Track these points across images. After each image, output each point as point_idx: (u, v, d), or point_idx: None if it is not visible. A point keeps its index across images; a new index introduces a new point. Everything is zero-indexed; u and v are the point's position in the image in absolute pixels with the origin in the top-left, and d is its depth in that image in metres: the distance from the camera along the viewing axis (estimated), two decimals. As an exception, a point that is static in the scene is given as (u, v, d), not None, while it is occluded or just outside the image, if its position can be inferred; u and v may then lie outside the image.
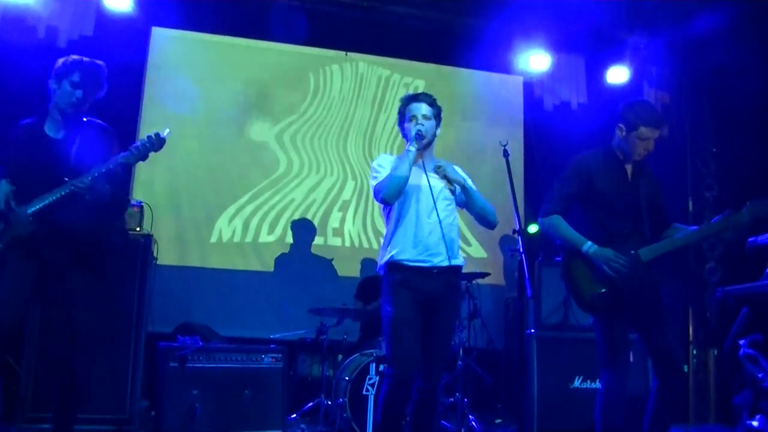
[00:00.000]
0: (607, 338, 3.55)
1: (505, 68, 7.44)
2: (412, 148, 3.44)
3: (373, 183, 3.55)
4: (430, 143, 3.62)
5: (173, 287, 6.23)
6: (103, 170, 3.47)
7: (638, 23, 6.71)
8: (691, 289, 6.81)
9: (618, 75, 7.13)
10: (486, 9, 6.71)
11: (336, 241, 7.03)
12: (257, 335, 5.99)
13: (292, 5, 6.74)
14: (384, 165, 3.57)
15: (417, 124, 3.54)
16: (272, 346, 5.03)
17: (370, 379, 4.83)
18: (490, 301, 6.97)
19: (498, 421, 6.02)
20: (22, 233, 3.39)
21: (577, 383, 4.74)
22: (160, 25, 6.77)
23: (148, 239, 5.15)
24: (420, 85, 7.44)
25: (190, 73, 6.82)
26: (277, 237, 6.88)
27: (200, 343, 4.80)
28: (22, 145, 3.57)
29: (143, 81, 6.69)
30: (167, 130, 3.65)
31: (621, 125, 3.66)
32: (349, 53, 7.35)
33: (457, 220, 3.63)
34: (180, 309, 6.17)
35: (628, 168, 3.70)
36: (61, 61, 3.75)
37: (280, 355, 4.92)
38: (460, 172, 3.69)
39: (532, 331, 4.97)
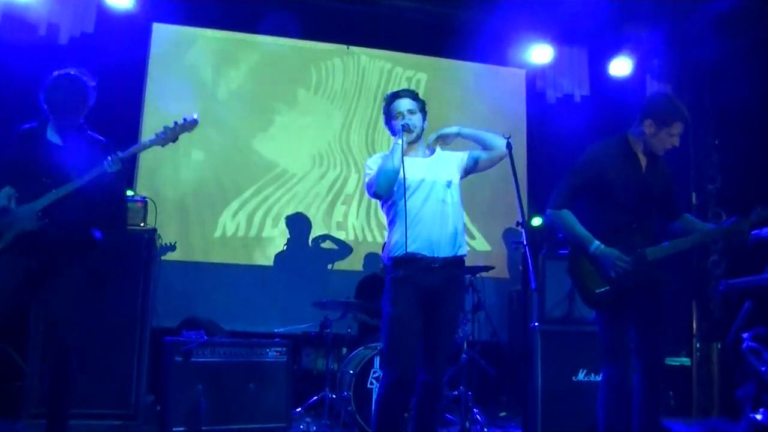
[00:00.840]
0: (609, 333, 3.55)
1: (507, 61, 7.44)
2: (400, 141, 3.45)
3: (366, 180, 3.57)
4: (419, 137, 3.61)
5: (177, 282, 6.24)
6: (123, 155, 3.66)
7: (640, 15, 6.68)
8: (694, 282, 6.81)
9: (620, 67, 7.12)
10: (488, 1, 6.68)
11: (340, 235, 7.03)
12: (261, 329, 6.00)
13: (293, -1, 6.75)
14: (376, 161, 3.58)
15: (403, 119, 3.54)
16: (276, 340, 5.03)
17: (374, 372, 4.84)
18: (494, 294, 6.98)
19: (502, 414, 6.03)
20: (30, 228, 3.47)
21: (581, 376, 4.75)
22: (161, 21, 6.78)
23: (153, 235, 5.16)
24: (422, 78, 7.44)
25: (191, 69, 6.83)
26: (280, 231, 6.89)
27: (205, 337, 4.81)
28: (23, 148, 3.65)
29: (145, 77, 6.69)
30: (196, 114, 3.76)
31: (650, 121, 3.53)
32: (350, 47, 7.35)
33: (460, 212, 3.60)
34: (184, 304, 6.19)
35: (643, 161, 3.63)
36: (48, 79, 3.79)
37: (284, 349, 4.93)
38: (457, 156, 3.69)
39: (536, 324, 4.98)
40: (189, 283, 6.44)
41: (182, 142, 6.56)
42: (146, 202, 5.38)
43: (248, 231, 6.82)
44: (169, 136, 3.76)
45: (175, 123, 3.76)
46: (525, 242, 3.28)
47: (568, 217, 3.61)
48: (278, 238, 6.88)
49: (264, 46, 7.13)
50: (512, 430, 5.31)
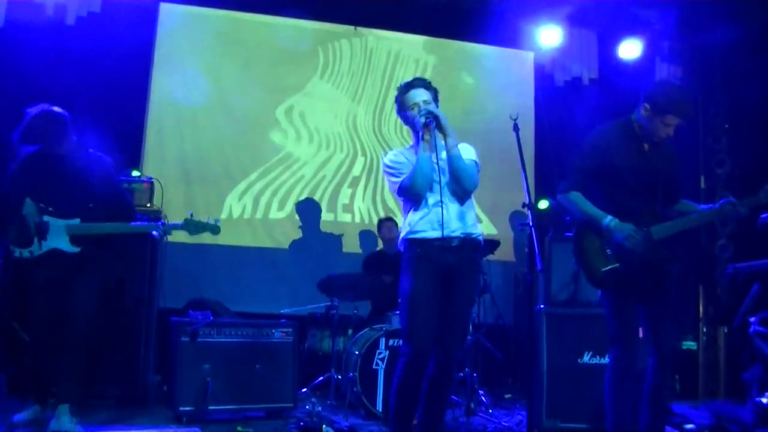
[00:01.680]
0: (616, 313, 3.55)
1: (515, 43, 7.39)
2: (428, 137, 3.43)
3: (394, 181, 3.54)
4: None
5: (184, 264, 6.26)
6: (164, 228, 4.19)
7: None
8: (702, 266, 6.79)
9: (630, 50, 7.07)
10: (497, -17, 6.65)
11: (346, 218, 7.04)
12: (267, 310, 6.01)
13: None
14: (399, 161, 3.57)
15: (420, 110, 3.49)
16: (282, 321, 5.05)
17: (380, 353, 4.85)
18: (500, 276, 6.99)
19: (507, 396, 6.05)
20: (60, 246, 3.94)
21: (586, 358, 4.74)
22: (168, 0, 6.74)
23: (158, 215, 5.17)
24: (430, 61, 7.41)
25: (198, 49, 6.81)
26: (287, 213, 6.89)
27: (211, 318, 4.83)
28: (34, 169, 4.02)
29: (152, 57, 6.67)
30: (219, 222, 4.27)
31: (647, 105, 3.53)
32: (358, 28, 7.31)
33: (473, 202, 3.62)
34: (191, 285, 6.22)
35: (646, 143, 3.63)
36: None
37: (290, 330, 4.95)
38: (470, 151, 3.65)
39: (542, 306, 4.97)
40: (195, 264, 6.46)
41: (189, 123, 6.66)
42: (152, 183, 5.39)
43: (254, 213, 6.83)
44: (192, 228, 4.19)
45: (204, 222, 4.20)
46: (531, 224, 3.27)
47: (578, 198, 3.62)
48: (284, 220, 6.89)
49: (271, 27, 7.09)
50: (517, 412, 5.32)
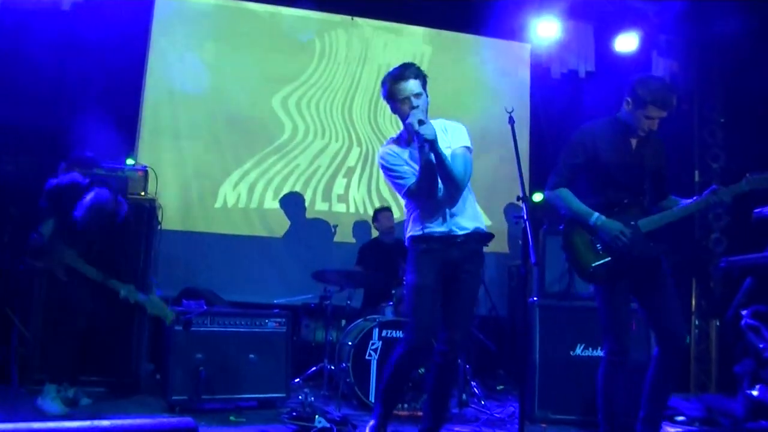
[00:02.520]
0: (608, 307, 3.57)
1: (512, 35, 7.38)
2: (426, 144, 3.31)
3: (400, 184, 3.50)
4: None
5: (178, 252, 6.25)
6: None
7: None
8: (695, 260, 6.81)
9: (627, 43, 7.06)
10: (494, -25, 6.62)
11: (341, 207, 7.04)
12: (261, 300, 6.02)
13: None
14: (397, 163, 3.53)
15: (412, 107, 3.40)
16: (276, 310, 5.05)
17: (373, 344, 4.86)
18: (494, 268, 7.00)
19: (500, 387, 6.07)
20: (56, 272, 4.26)
21: (578, 351, 4.76)
22: (164, -12, 6.71)
23: (153, 204, 5.16)
24: (426, 51, 7.39)
25: (194, 37, 6.78)
26: (281, 203, 6.88)
27: (205, 307, 4.82)
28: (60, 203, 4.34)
29: (148, 44, 6.63)
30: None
31: (629, 99, 3.57)
32: (354, 18, 7.28)
33: (472, 191, 3.64)
34: (184, 273, 6.22)
35: (633, 138, 3.65)
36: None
37: (283, 320, 4.94)
38: (461, 135, 3.60)
39: (535, 299, 4.99)
40: (189, 252, 6.46)
41: (184, 111, 6.63)
42: (147, 171, 5.37)
43: (249, 202, 6.82)
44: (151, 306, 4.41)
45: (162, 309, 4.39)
46: (525, 217, 3.28)
47: (566, 195, 3.65)
48: (279, 209, 6.88)
49: (268, 16, 7.06)
50: (509, 404, 5.34)
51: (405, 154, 3.55)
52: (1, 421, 3.52)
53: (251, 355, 4.78)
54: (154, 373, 5.47)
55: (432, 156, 3.33)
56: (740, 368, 4.55)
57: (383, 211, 6.38)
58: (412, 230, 3.56)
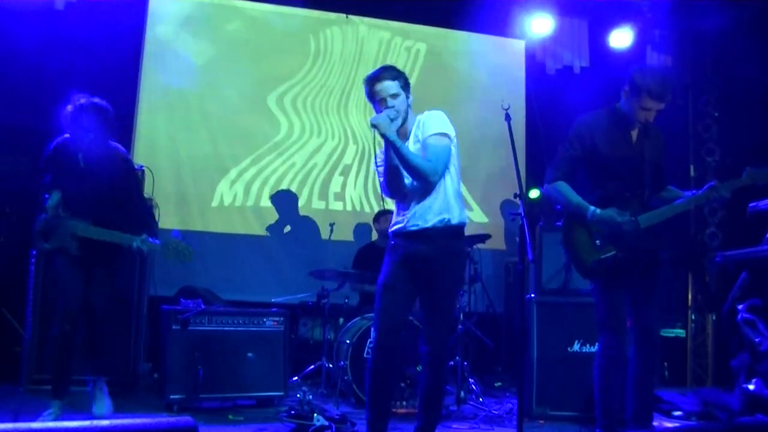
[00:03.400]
0: (605, 302, 3.58)
1: (507, 31, 7.38)
2: (395, 141, 3.34)
3: (380, 182, 3.57)
4: (404, 119, 3.54)
5: (175, 251, 6.23)
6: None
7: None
8: (691, 254, 6.82)
9: (621, 38, 7.06)
10: (488, -29, 6.63)
11: (338, 206, 7.04)
12: (259, 299, 6.02)
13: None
14: (378, 161, 3.59)
15: (386, 107, 3.46)
16: (273, 309, 5.05)
17: (370, 342, 4.83)
18: (491, 265, 7.01)
19: (497, 384, 6.08)
20: (68, 246, 3.99)
21: (576, 347, 4.77)
22: (159, -14, 6.69)
23: (149, 203, 5.15)
24: (421, 49, 7.38)
25: (189, 36, 6.76)
26: (278, 201, 6.87)
27: (202, 306, 4.82)
28: (59, 165, 4.09)
29: (142, 44, 6.62)
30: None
31: (626, 89, 3.57)
32: (349, 16, 7.28)
33: (453, 181, 3.51)
34: (182, 273, 6.18)
35: (633, 130, 3.64)
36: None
37: (281, 319, 4.95)
38: (435, 122, 3.52)
39: (533, 295, 4.99)
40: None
41: (180, 110, 6.62)
42: (143, 170, 5.37)
43: (246, 200, 6.81)
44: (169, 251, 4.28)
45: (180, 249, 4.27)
46: (522, 213, 3.28)
47: (564, 188, 3.63)
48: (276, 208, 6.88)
49: (263, 14, 7.06)
50: (507, 400, 5.35)
51: (381, 154, 3.57)
52: (2, 421, 3.52)
53: (249, 354, 4.79)
54: (152, 373, 5.48)
55: (392, 151, 3.35)
56: (736, 362, 4.56)
57: (385, 214, 6.38)
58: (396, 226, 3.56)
